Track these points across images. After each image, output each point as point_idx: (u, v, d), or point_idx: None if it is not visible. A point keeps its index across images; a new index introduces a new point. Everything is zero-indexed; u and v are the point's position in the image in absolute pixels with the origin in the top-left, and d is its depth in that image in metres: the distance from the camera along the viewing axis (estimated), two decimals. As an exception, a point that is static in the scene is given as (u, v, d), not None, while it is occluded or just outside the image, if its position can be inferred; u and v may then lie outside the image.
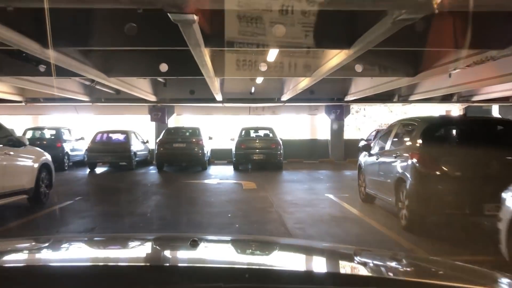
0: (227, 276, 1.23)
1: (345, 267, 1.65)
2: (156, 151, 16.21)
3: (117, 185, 12.60)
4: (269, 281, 1.23)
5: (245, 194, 10.56)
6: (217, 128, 27.54)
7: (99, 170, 16.69)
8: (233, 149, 16.39)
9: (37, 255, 1.74)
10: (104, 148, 16.21)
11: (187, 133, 17.02)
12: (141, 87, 16.42)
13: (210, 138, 17.59)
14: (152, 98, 18.32)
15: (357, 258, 1.73)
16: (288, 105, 20.11)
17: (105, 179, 15.02)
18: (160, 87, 18.53)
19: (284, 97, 18.35)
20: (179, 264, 1.54)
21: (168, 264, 1.55)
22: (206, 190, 11.63)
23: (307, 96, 18.33)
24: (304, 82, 13.01)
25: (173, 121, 21.31)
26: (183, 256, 1.66)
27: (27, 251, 1.76)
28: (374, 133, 18.43)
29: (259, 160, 15.81)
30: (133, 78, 14.63)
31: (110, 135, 16.98)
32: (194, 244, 1.52)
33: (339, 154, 20.24)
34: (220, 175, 14.49)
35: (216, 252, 1.75)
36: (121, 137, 17.03)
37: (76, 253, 1.74)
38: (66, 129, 17.54)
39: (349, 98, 18.51)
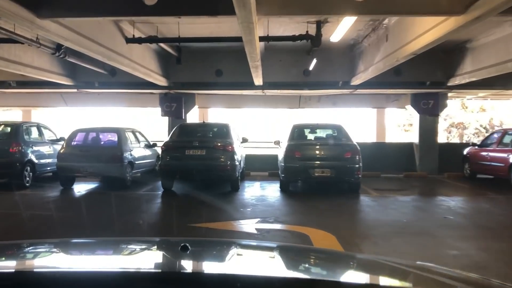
0: (218, 284, 1.21)
1: (339, 275, 1.59)
2: (161, 160, 10.42)
3: (66, 226, 6.82)
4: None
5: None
6: (250, 126, 21.70)
7: (80, 187, 11.09)
8: (280, 158, 10.41)
9: (17, 263, 1.64)
10: (84, 154, 10.56)
11: (210, 133, 11.18)
12: (144, 63, 10.66)
13: (244, 141, 11.67)
14: (162, 81, 12.56)
15: (354, 266, 1.70)
16: (358, 93, 13.93)
17: (61, 210, 9.31)
18: (172, 65, 12.74)
19: (356, 80, 12.20)
20: (169, 271, 1.48)
21: (157, 271, 1.50)
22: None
23: (389, 79, 12.16)
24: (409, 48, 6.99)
25: (194, 117, 15.51)
26: (174, 262, 1.61)
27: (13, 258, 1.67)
28: (496, 136, 12.06)
29: (325, 177, 9.73)
30: (121, 44, 8.88)
31: (95, 135, 11.32)
32: (184, 249, 1.48)
33: (431, 164, 13.87)
34: (261, 207, 8.49)
35: (207, 257, 1.71)
36: (110, 138, 11.37)
37: (62, 258, 1.70)
38: (32, 125, 12.04)
39: (456, 82, 12.15)
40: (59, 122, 20.36)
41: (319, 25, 8.97)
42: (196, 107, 14.89)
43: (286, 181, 10.26)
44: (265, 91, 13.52)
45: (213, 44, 11.67)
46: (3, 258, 1.64)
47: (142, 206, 8.81)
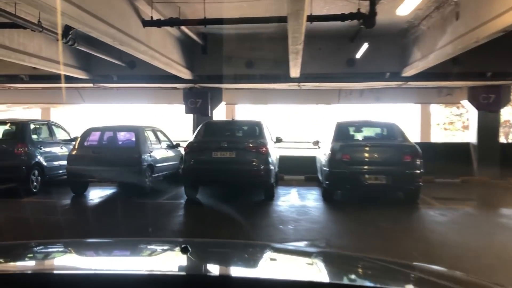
0: (217, 284, 1.22)
1: (340, 276, 1.59)
2: (184, 164, 8.99)
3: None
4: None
5: None
6: (281, 124, 20.13)
7: (93, 194, 9.82)
8: (324, 162, 8.84)
9: (22, 263, 1.65)
10: (98, 156, 9.26)
11: (240, 133, 9.72)
12: (165, 51, 9.27)
13: (278, 141, 10.13)
14: (186, 74, 11.16)
15: (360, 267, 1.72)
16: (407, 86, 12.21)
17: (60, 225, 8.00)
18: (197, 56, 11.34)
19: (410, 70, 10.51)
20: (171, 273, 1.47)
21: (157, 272, 1.48)
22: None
23: (444, 70, 10.42)
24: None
25: (220, 114, 14.07)
26: (175, 263, 1.61)
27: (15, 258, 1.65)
28: None
29: (379, 185, 8.11)
30: (136, 27, 7.50)
31: (110, 134, 10.00)
32: (185, 250, 1.50)
33: (492, 168, 12.01)
34: (304, 223, 6.92)
35: (207, 258, 1.70)
36: (127, 137, 10.04)
37: (65, 259, 1.71)
38: (42, 124, 10.83)
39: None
40: (79, 120, 19.34)
41: (373, 1, 7.39)
42: (223, 103, 13.44)
43: (331, 189, 8.69)
44: (301, 84, 11.97)
45: (243, 31, 10.20)
46: (10, 259, 1.63)
47: (161, 220, 7.38)
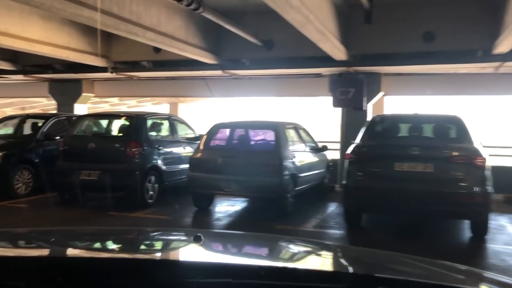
0: (236, 272, 1.21)
1: (357, 267, 1.57)
2: (346, 178, 6.07)
3: None
4: (279, 278, 1.19)
5: None
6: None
7: (219, 209, 7.56)
8: None
9: (52, 248, 1.65)
10: (227, 162, 6.88)
11: (431, 134, 6.50)
12: (322, 18, 6.44)
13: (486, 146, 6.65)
14: (341, 52, 8.26)
15: (369, 259, 1.66)
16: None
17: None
18: (355, 27, 8.40)
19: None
20: (186, 259, 1.48)
21: (174, 259, 1.52)
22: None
23: None
24: None
25: (379, 108, 10.86)
26: (189, 251, 1.58)
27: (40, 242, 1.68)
28: None
29: None
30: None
31: (242, 133, 7.54)
32: (197, 239, 1.46)
33: None
34: None
35: (221, 247, 1.71)
36: (264, 137, 7.55)
37: (80, 245, 1.69)
38: (162, 118, 8.89)
39: None
40: (206, 118, 17.80)
41: None
42: (380, 94, 10.30)
43: None
44: (506, 64, 8.29)
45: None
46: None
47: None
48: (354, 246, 4.85)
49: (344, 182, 6.03)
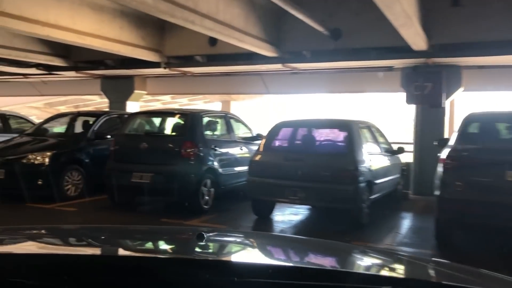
0: (239, 270, 1.21)
1: (363, 266, 1.58)
2: (441, 188, 5.03)
3: None
4: (285, 277, 1.18)
5: None
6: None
7: (279, 218, 6.74)
8: None
9: (60, 245, 1.68)
10: (293, 165, 6.01)
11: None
12: None
13: None
14: (422, 40, 7.17)
15: (372, 257, 1.68)
16: None
17: None
18: (438, 11, 7.30)
19: None
20: (189, 257, 1.46)
21: (178, 256, 1.51)
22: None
23: None
24: None
25: (458, 105, 9.63)
26: (192, 248, 1.56)
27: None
28: None
29: None
30: None
31: (309, 132, 6.63)
32: (200, 237, 1.44)
33: None
34: None
35: (224, 245, 1.72)
36: (335, 138, 6.61)
37: (85, 243, 1.71)
38: (218, 116, 8.16)
39: None
40: (261, 116, 17.05)
41: None
42: (460, 89, 9.06)
43: None
44: None
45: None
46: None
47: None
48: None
49: (437, 192, 5.00)
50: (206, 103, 20.67)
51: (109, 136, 7.98)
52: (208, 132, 7.30)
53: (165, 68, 9.79)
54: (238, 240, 1.83)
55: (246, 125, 8.49)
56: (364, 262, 1.59)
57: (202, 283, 1.11)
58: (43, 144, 7.77)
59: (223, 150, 7.37)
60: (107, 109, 11.68)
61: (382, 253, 1.79)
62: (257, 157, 6.38)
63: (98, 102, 18.55)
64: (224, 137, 7.72)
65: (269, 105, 18.91)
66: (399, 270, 1.52)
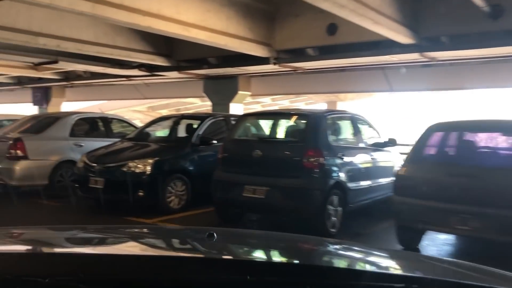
0: (251, 269, 1.18)
1: (371, 266, 1.55)
2: None
3: None
4: (295, 275, 1.15)
5: None
6: None
7: (434, 247, 5.13)
8: None
9: (69, 243, 1.67)
10: (459, 182, 4.39)
11: None
12: None
13: None
14: None
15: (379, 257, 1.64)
16: None
17: None
18: None
19: None
20: (201, 255, 1.47)
21: (189, 255, 1.50)
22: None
23: None
24: None
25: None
26: (204, 247, 1.54)
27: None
28: None
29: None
30: None
31: (480, 139, 4.92)
32: (210, 236, 1.43)
33: None
34: None
35: (235, 244, 1.70)
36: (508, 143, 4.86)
37: (93, 242, 1.70)
38: (341, 117, 6.66)
39: None
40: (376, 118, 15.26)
41: None
42: None
43: None
44: None
45: None
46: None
47: None
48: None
49: None
50: (308, 104, 19.33)
51: (215, 141, 6.97)
52: (333, 137, 5.92)
53: (274, 64, 8.62)
54: (251, 239, 1.82)
55: (374, 128, 6.96)
56: (377, 262, 1.56)
57: (214, 282, 1.08)
58: (145, 150, 6.97)
59: (352, 159, 5.94)
60: (211, 112, 10.89)
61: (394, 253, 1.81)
62: (407, 171, 4.83)
63: (199, 105, 18.15)
64: (352, 143, 6.29)
65: (379, 106, 17.02)
66: (411, 270, 1.48)
